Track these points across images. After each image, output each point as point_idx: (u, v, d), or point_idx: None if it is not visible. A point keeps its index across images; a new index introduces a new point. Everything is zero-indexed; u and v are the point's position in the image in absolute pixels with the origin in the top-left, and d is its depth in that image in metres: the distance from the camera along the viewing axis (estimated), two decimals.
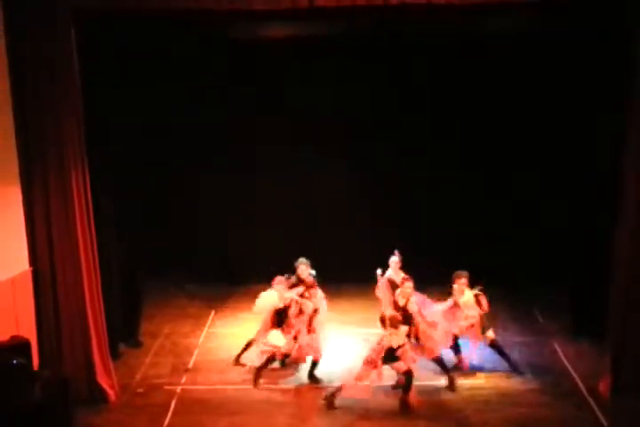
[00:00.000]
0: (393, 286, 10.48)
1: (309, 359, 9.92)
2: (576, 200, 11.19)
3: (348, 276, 12.31)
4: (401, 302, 9.67)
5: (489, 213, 12.78)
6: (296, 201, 13.01)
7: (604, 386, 9.31)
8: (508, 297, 11.99)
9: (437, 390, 9.57)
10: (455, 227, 12.87)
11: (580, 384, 9.58)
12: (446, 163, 12.84)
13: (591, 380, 9.54)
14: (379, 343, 9.12)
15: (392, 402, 9.22)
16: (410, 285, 9.69)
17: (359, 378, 9.06)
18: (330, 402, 9.20)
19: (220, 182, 12.99)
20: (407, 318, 9.50)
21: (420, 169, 12.88)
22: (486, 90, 12.45)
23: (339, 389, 9.20)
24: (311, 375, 9.91)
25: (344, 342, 10.78)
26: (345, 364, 10.00)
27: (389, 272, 10.58)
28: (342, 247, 12.92)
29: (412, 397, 9.13)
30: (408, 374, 9.15)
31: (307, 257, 10.47)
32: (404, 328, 9.22)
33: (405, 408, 9.07)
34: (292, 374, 10.08)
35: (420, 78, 12.55)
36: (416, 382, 9.32)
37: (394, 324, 9.07)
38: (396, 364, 9.16)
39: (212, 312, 12.11)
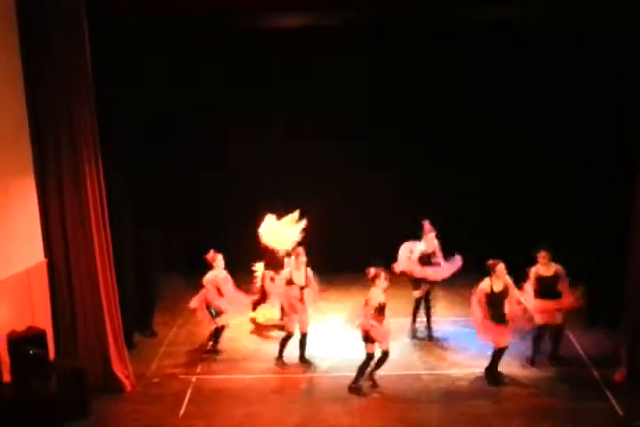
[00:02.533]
0: (423, 259, 10.67)
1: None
2: (589, 189, 11.13)
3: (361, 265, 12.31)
4: (497, 288, 9.42)
5: (498, 205, 12.69)
6: (303, 196, 12.94)
7: (619, 376, 9.28)
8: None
9: (453, 379, 9.59)
10: (463, 220, 12.75)
11: (596, 374, 9.56)
12: (449, 159, 12.79)
13: (607, 369, 9.52)
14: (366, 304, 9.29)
15: (408, 389, 9.33)
16: (502, 266, 9.42)
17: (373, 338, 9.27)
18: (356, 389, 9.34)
19: (241, 176, 13.04)
20: (501, 298, 9.41)
21: (420, 166, 12.84)
22: (496, 82, 12.28)
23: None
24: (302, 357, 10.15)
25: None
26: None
27: (422, 245, 10.68)
28: (353, 240, 12.97)
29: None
30: (385, 353, 9.33)
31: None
32: (384, 284, 9.31)
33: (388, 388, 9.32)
34: (307, 364, 10.12)
35: (426, 71, 12.40)
36: (432, 371, 9.50)
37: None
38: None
39: None
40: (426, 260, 10.75)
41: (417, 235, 10.90)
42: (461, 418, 8.69)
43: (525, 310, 9.52)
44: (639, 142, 9.32)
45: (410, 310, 11.06)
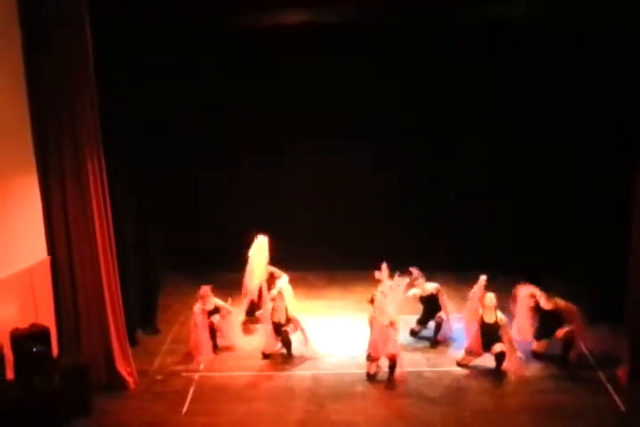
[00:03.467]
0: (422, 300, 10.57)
1: None
2: (590, 189, 11.18)
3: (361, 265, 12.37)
4: (488, 319, 9.53)
5: (498, 205, 12.72)
6: (303, 195, 13.03)
7: (622, 372, 9.31)
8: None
9: (456, 376, 9.61)
10: (463, 220, 12.81)
11: (599, 371, 9.58)
12: (449, 159, 12.80)
13: (609, 366, 9.54)
14: (370, 325, 9.52)
15: (411, 386, 9.36)
16: (492, 295, 9.52)
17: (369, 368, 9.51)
18: None
19: (241, 176, 13.06)
20: (495, 331, 9.52)
21: (420, 166, 12.86)
22: (495, 82, 12.29)
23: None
24: None
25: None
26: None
27: (416, 290, 10.49)
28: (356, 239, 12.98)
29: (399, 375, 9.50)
30: (392, 360, 9.43)
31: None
32: (391, 308, 9.45)
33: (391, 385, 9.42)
34: (309, 361, 10.14)
35: (426, 71, 12.40)
36: (434, 368, 9.62)
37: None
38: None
39: (229, 299, 12.10)
40: (430, 302, 10.59)
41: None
42: (464, 415, 8.71)
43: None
44: (639, 142, 9.37)
45: (410, 308, 11.06)
